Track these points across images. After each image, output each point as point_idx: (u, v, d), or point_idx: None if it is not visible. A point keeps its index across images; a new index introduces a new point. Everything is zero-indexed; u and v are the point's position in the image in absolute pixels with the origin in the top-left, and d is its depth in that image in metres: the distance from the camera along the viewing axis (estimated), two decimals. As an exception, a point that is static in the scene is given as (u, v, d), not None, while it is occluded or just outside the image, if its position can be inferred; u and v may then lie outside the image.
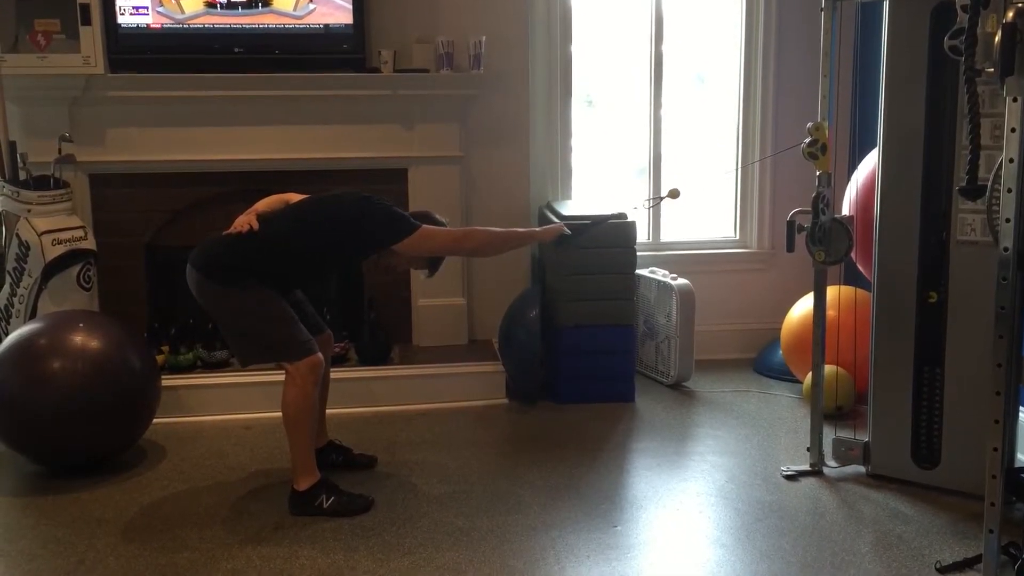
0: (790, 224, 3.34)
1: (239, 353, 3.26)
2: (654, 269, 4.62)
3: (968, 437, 3.06)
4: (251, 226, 3.13)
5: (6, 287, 3.98)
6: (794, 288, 4.54)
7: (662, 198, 3.67)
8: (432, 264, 3.35)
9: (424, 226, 3.15)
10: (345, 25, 4.28)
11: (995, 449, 2.46)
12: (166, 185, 4.39)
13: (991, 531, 2.50)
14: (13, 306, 3.97)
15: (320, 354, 3.14)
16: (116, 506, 3.22)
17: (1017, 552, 2.59)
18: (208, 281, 3.10)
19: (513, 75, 4.57)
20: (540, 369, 4.26)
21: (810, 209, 3.30)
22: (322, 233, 3.15)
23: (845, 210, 3.81)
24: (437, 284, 4.34)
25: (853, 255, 3.46)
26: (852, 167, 3.96)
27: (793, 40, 4.80)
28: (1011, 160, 2.38)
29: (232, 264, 3.10)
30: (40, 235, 3.92)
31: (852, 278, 4.00)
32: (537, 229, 3.43)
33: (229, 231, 3.15)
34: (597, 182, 5.03)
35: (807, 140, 3.26)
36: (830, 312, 3.53)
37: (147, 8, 4.17)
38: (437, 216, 3.33)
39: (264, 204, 3.27)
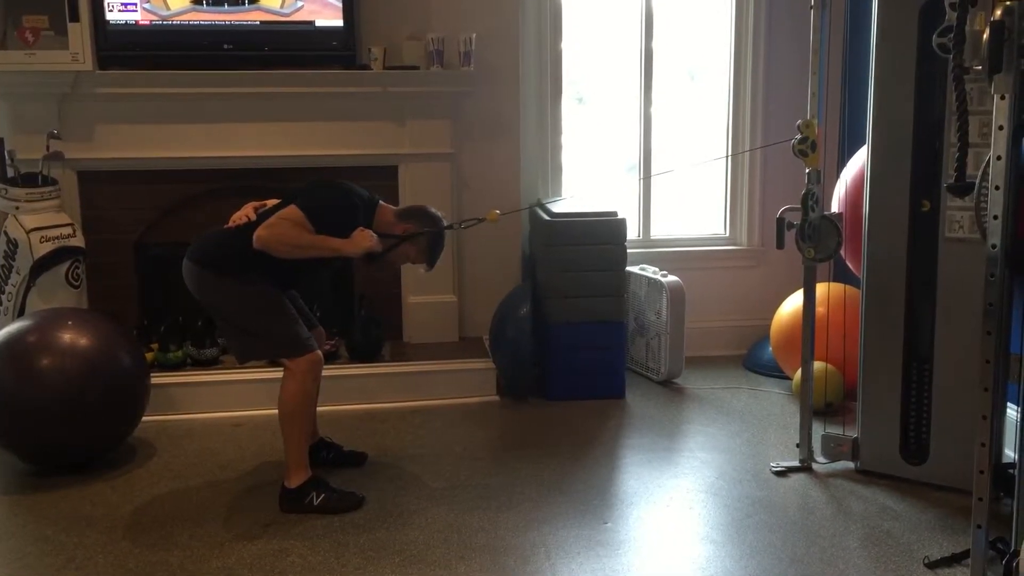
0: (780, 221, 3.35)
1: (239, 350, 3.25)
2: (644, 266, 4.63)
3: (956, 433, 3.08)
4: (248, 218, 3.13)
5: (-6, 284, 3.97)
6: (784, 285, 4.56)
7: (480, 220, 3.50)
8: (429, 258, 3.32)
9: (299, 210, 3.02)
10: (335, 22, 4.27)
11: (983, 445, 2.47)
12: (155, 182, 4.37)
13: (979, 526, 2.51)
14: (1, 304, 3.96)
15: (320, 351, 3.14)
16: (106, 504, 3.21)
17: (1005, 547, 2.60)
18: (207, 275, 3.09)
19: (504, 72, 4.56)
20: (531, 366, 4.26)
21: (800, 206, 3.32)
22: None
23: (834, 207, 3.82)
24: (428, 281, 4.35)
25: (842, 252, 3.47)
26: (841, 164, 3.97)
27: (783, 37, 4.81)
28: (999, 157, 2.39)
29: (230, 257, 3.09)
30: (28, 232, 3.90)
31: (841, 275, 4.01)
32: (345, 241, 3.06)
33: (227, 225, 3.15)
34: (588, 179, 5.03)
35: (797, 137, 3.27)
36: (819, 309, 3.54)
37: (135, 4, 4.15)
38: (431, 210, 3.30)
39: (260, 202, 3.27)
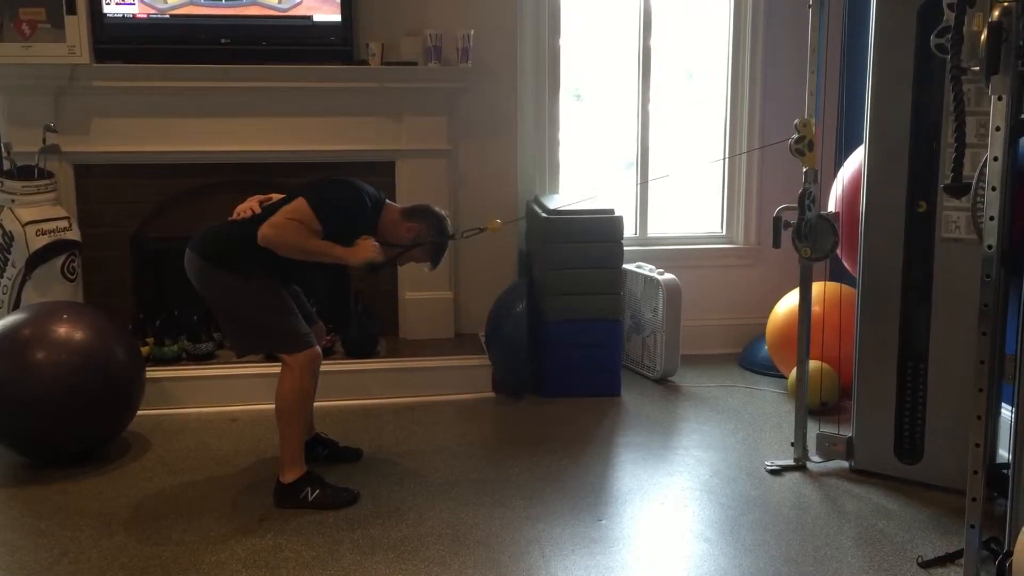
0: (776, 220, 3.35)
1: (238, 343, 3.26)
2: (641, 264, 4.62)
3: (951, 433, 3.09)
4: (253, 211, 3.12)
5: (-10, 277, 3.96)
6: (780, 284, 4.56)
7: (482, 229, 3.44)
8: (434, 258, 3.31)
9: (308, 207, 3.01)
10: (333, 17, 4.27)
11: (977, 445, 2.48)
12: (152, 176, 4.36)
13: (973, 526, 2.51)
14: (-4, 297, 3.95)
15: (318, 347, 3.14)
16: (100, 498, 3.21)
17: (998, 547, 2.61)
18: (210, 268, 3.08)
19: (501, 68, 4.56)
20: (527, 363, 4.26)
21: (796, 205, 3.32)
22: None
23: (831, 207, 3.83)
24: (424, 277, 4.33)
25: (839, 251, 3.48)
26: (838, 164, 3.97)
27: (781, 36, 4.80)
28: (995, 158, 2.39)
29: (233, 251, 3.09)
30: (24, 225, 3.89)
31: (837, 274, 4.02)
32: (349, 250, 3.05)
33: (232, 218, 3.15)
34: (585, 176, 5.03)
35: (794, 136, 3.27)
36: (815, 308, 3.55)
37: (133, -3, 4.15)
38: (436, 209, 3.29)
39: (265, 195, 3.26)
